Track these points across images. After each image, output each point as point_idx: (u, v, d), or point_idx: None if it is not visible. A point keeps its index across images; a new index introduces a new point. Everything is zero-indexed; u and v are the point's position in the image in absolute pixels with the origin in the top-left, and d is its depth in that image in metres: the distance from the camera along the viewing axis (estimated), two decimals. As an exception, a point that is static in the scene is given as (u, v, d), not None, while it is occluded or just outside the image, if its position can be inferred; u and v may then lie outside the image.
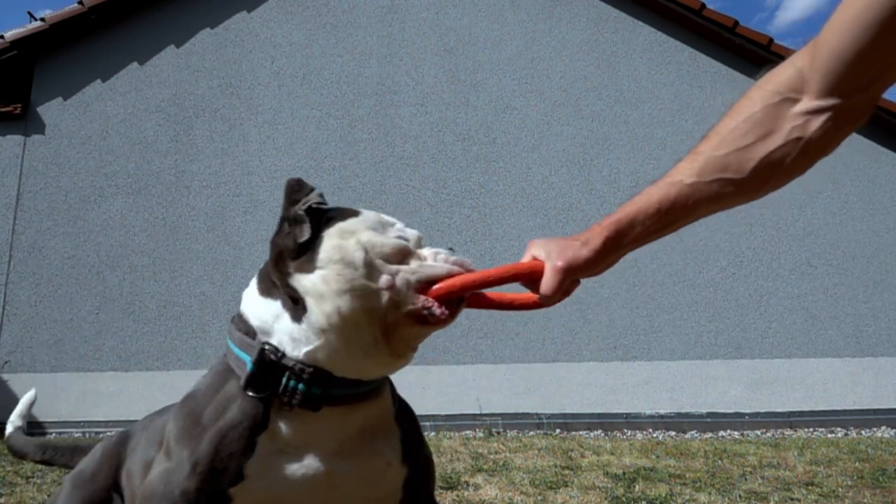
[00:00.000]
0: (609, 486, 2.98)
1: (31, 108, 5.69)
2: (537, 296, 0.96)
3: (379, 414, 1.04)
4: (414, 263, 1.01)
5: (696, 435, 4.91)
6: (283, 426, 0.97)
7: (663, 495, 2.77)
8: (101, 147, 5.68)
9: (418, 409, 1.21)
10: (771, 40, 5.70)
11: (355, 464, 1.00)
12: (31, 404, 1.60)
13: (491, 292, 1.01)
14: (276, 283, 1.01)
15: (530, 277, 0.97)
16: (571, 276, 0.93)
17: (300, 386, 0.95)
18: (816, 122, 0.79)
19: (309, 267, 0.97)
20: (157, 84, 5.83)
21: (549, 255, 0.95)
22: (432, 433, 4.70)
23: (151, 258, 5.47)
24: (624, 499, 2.73)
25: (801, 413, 5.19)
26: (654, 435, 4.92)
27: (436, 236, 5.59)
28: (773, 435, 4.85)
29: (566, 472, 3.30)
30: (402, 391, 1.18)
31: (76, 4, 5.64)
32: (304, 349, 0.96)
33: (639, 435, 4.91)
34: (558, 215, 5.65)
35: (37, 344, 5.26)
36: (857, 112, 0.80)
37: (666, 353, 5.38)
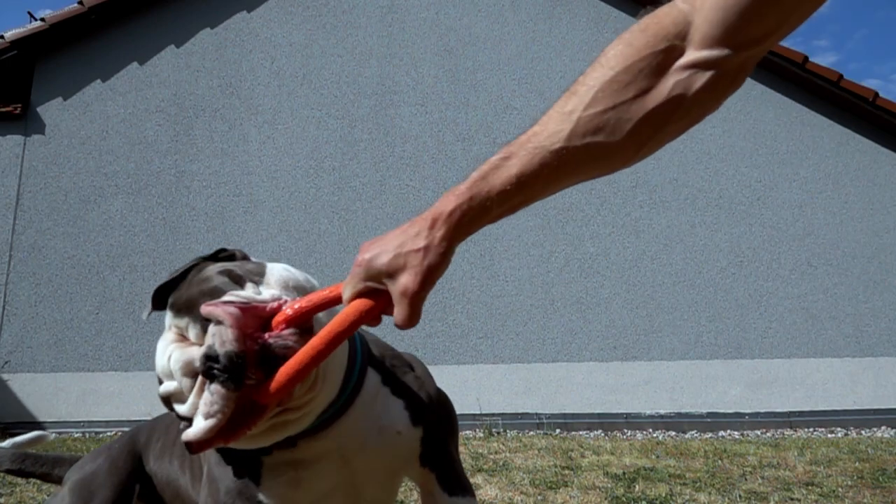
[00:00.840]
0: (609, 486, 2.98)
1: (31, 108, 5.69)
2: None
3: (365, 411, 1.03)
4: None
5: (696, 435, 4.91)
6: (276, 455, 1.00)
7: (663, 495, 2.77)
8: (101, 147, 5.68)
9: (418, 409, 1.21)
10: (771, 40, 5.69)
11: (367, 445, 1.02)
12: (29, 441, 1.56)
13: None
14: None
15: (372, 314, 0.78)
16: (427, 293, 0.76)
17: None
18: (702, 78, 0.66)
19: None
20: (157, 84, 5.83)
21: (391, 276, 0.76)
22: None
23: (151, 258, 5.47)
24: (624, 499, 2.73)
25: (801, 413, 5.19)
26: (654, 435, 4.92)
27: (436, 236, 5.58)
28: (773, 435, 4.85)
29: (566, 472, 3.30)
30: (403, 391, 1.18)
31: (76, 4, 5.64)
32: None
33: (639, 435, 4.91)
34: (558, 215, 5.65)
35: (37, 344, 5.26)
36: (744, 68, 0.67)
37: (666, 353, 5.38)
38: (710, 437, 4.74)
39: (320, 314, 0.86)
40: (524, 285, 5.49)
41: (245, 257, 1.06)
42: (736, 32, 0.64)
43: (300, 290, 0.92)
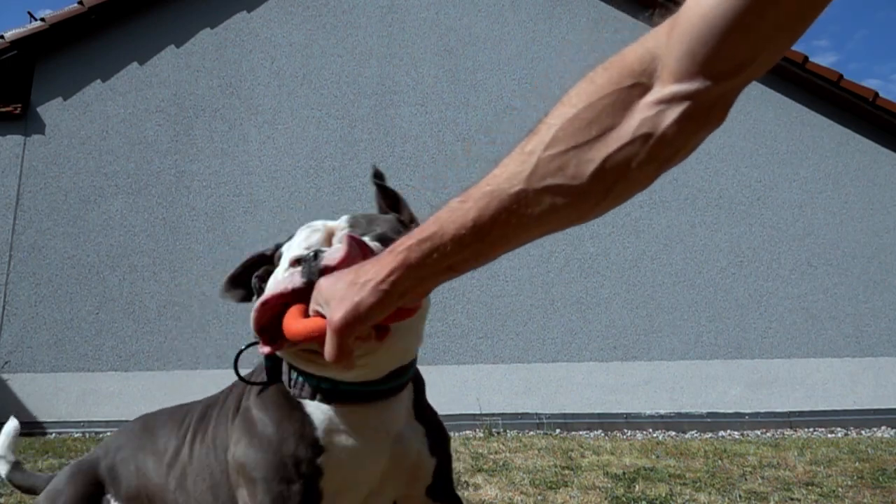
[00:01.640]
0: (609, 486, 2.98)
1: (31, 108, 5.69)
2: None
3: (402, 413, 1.09)
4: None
5: (696, 435, 4.91)
6: (327, 416, 1.02)
7: (663, 495, 2.77)
8: (101, 147, 5.68)
9: (418, 410, 1.22)
10: (771, 40, 5.69)
11: (400, 452, 1.06)
12: (14, 435, 1.56)
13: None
14: None
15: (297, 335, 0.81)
16: (354, 333, 0.71)
17: (300, 378, 1.02)
18: (671, 114, 0.60)
19: None
20: (157, 84, 5.83)
21: (327, 304, 0.73)
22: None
23: (151, 258, 5.47)
24: (624, 499, 2.73)
25: (801, 413, 5.19)
26: (654, 435, 4.92)
27: (436, 236, 5.59)
28: (773, 435, 4.85)
29: (566, 472, 3.30)
30: (402, 391, 1.18)
31: (76, 4, 5.64)
32: None
33: (639, 435, 4.91)
34: (558, 215, 5.65)
35: (37, 344, 5.26)
36: (719, 104, 0.61)
37: (666, 353, 5.38)
38: (710, 437, 4.74)
39: None
40: (524, 285, 5.49)
41: None
42: (706, 63, 0.58)
43: None
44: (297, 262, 0.93)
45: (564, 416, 5.17)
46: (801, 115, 5.79)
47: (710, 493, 2.83)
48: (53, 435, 4.97)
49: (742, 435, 4.88)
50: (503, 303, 5.44)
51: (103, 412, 5.11)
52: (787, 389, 5.28)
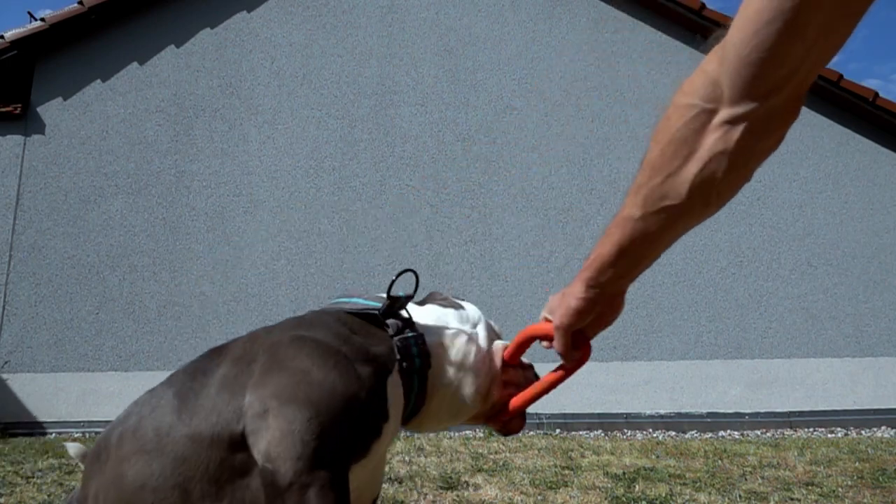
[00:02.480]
0: (609, 486, 2.98)
1: (31, 108, 5.69)
2: (560, 370, 1.09)
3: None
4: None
5: (696, 435, 4.91)
6: (395, 382, 1.01)
7: (663, 495, 2.77)
8: (101, 147, 5.68)
9: (418, 410, 1.23)
10: (771, 40, 5.69)
11: (383, 463, 1.09)
12: None
13: (529, 391, 1.19)
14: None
15: (546, 338, 1.06)
16: (570, 330, 0.95)
17: (417, 358, 1.03)
18: (736, 132, 0.72)
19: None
20: (157, 84, 5.84)
21: (552, 311, 0.99)
22: (432, 433, 4.70)
23: (151, 258, 5.47)
24: (624, 499, 2.73)
25: (801, 413, 5.19)
26: (654, 435, 4.92)
27: (436, 236, 5.59)
28: (773, 435, 4.85)
29: (566, 472, 3.30)
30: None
31: (76, 4, 5.64)
32: (435, 336, 1.08)
33: (639, 435, 4.91)
34: (558, 215, 5.66)
35: (37, 344, 5.26)
36: (777, 115, 0.72)
37: (666, 353, 5.38)
38: (710, 437, 4.74)
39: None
40: (524, 285, 5.49)
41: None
42: (750, 89, 0.69)
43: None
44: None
45: (564, 416, 5.17)
46: (801, 114, 5.72)
47: (710, 493, 2.83)
48: (53, 435, 4.97)
49: (742, 435, 4.88)
50: (503, 303, 5.44)
51: (103, 412, 5.11)
52: (787, 389, 5.28)
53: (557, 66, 5.99)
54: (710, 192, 0.78)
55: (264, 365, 0.93)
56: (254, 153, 5.74)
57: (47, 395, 5.17)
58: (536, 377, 1.22)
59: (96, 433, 4.97)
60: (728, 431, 5.03)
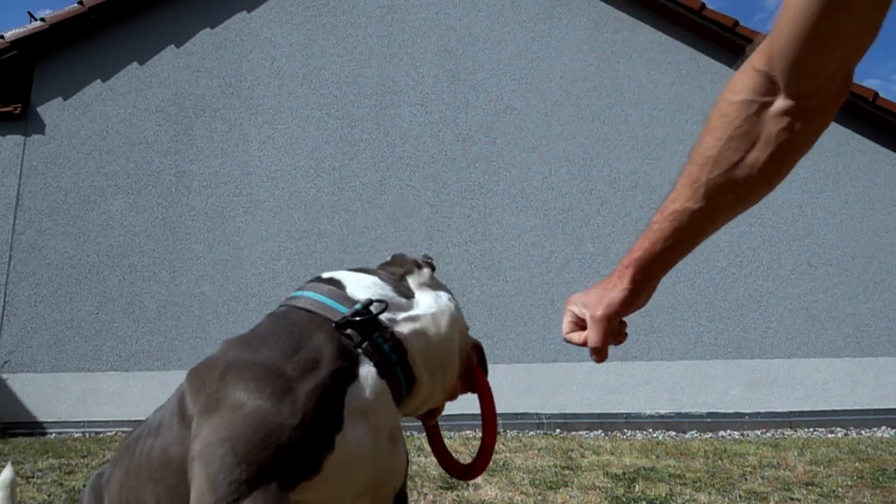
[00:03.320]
0: (609, 486, 2.98)
1: (31, 108, 5.69)
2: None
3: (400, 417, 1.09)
4: None
5: (696, 435, 4.91)
6: (362, 387, 0.97)
7: (663, 495, 2.77)
8: (101, 147, 5.68)
9: (418, 409, 1.23)
10: (771, 40, 5.69)
11: (394, 454, 1.05)
12: (12, 486, 1.47)
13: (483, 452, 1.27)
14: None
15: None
16: (613, 321, 0.97)
17: (385, 346, 1.01)
18: (798, 121, 0.79)
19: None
20: (157, 84, 5.84)
21: (587, 306, 0.99)
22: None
23: (151, 258, 5.47)
24: (624, 499, 2.73)
25: (801, 413, 5.19)
26: (654, 435, 4.92)
27: (436, 236, 5.59)
28: (773, 435, 4.85)
29: (566, 472, 3.29)
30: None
31: (76, 4, 5.64)
32: (405, 323, 1.04)
33: (639, 435, 4.91)
34: (558, 215, 5.65)
35: (37, 344, 5.26)
36: (830, 102, 0.79)
37: (666, 353, 5.38)
38: (710, 437, 4.74)
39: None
40: (524, 285, 5.49)
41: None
42: (801, 80, 0.76)
43: None
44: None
45: (564, 416, 5.17)
46: (801, 115, 5.79)
47: (710, 493, 2.83)
48: (53, 435, 4.97)
49: (742, 435, 4.88)
50: (503, 303, 5.44)
51: (103, 412, 5.11)
52: (787, 389, 5.28)
53: (557, 66, 5.99)
54: (774, 175, 0.84)
55: (206, 401, 0.93)
56: (254, 153, 5.74)
57: (47, 395, 5.17)
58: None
59: (96, 433, 4.97)
60: (728, 431, 5.03)
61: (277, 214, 5.60)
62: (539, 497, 2.79)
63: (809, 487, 2.98)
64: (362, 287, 1.08)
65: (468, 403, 5.01)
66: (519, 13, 6.10)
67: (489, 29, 6.06)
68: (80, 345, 5.29)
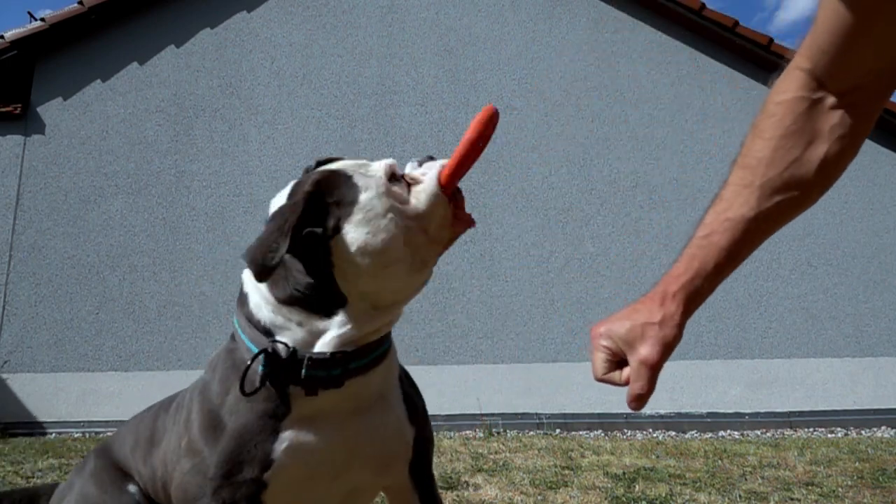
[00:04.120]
0: (609, 486, 2.98)
1: (31, 108, 5.69)
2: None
3: (387, 375, 1.11)
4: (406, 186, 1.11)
5: (696, 435, 4.91)
6: (304, 407, 1.03)
7: (663, 495, 2.77)
8: (101, 147, 5.68)
9: (418, 409, 1.22)
10: (771, 40, 5.70)
11: (371, 423, 1.07)
12: None
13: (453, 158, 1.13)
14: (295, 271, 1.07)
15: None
16: (663, 365, 0.86)
17: (319, 373, 1.01)
18: (849, 115, 0.79)
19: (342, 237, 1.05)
20: (157, 84, 5.84)
21: (627, 343, 0.86)
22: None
23: (151, 258, 5.47)
24: (624, 499, 2.73)
25: (801, 413, 5.19)
26: (654, 435, 4.92)
27: (436, 236, 5.59)
28: (773, 435, 4.85)
29: (566, 472, 3.30)
30: (402, 391, 1.19)
31: (76, 4, 5.64)
32: (331, 334, 1.02)
33: (639, 435, 4.91)
34: (558, 215, 5.65)
35: (37, 344, 5.26)
36: (876, 96, 0.80)
37: (666, 353, 5.38)
38: (710, 437, 4.74)
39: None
40: (524, 285, 5.49)
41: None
42: (845, 79, 0.76)
43: None
44: (392, 175, 1.09)
45: (564, 416, 5.17)
46: (801, 115, 5.79)
47: (710, 493, 2.83)
48: (53, 435, 4.97)
49: (742, 435, 4.88)
50: (503, 303, 5.44)
51: (103, 412, 5.11)
52: (787, 389, 5.28)
53: (557, 66, 5.99)
54: (832, 170, 0.83)
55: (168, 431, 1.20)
56: (254, 153, 5.74)
57: (47, 395, 5.17)
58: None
59: (96, 433, 4.97)
60: (728, 431, 5.03)
61: (277, 214, 5.59)
62: (539, 497, 2.79)
63: (809, 487, 2.98)
64: (271, 320, 1.06)
65: (468, 403, 5.01)
66: (519, 13, 6.10)
67: (489, 29, 6.06)
68: (80, 345, 5.29)
